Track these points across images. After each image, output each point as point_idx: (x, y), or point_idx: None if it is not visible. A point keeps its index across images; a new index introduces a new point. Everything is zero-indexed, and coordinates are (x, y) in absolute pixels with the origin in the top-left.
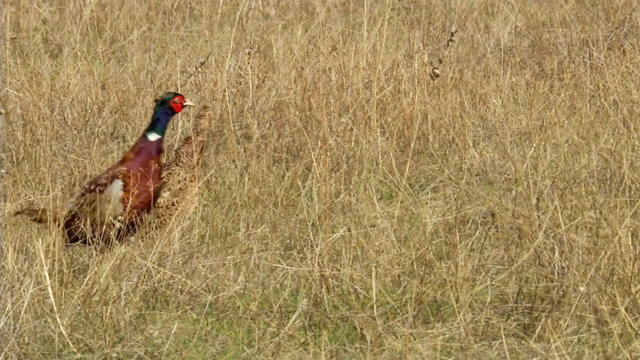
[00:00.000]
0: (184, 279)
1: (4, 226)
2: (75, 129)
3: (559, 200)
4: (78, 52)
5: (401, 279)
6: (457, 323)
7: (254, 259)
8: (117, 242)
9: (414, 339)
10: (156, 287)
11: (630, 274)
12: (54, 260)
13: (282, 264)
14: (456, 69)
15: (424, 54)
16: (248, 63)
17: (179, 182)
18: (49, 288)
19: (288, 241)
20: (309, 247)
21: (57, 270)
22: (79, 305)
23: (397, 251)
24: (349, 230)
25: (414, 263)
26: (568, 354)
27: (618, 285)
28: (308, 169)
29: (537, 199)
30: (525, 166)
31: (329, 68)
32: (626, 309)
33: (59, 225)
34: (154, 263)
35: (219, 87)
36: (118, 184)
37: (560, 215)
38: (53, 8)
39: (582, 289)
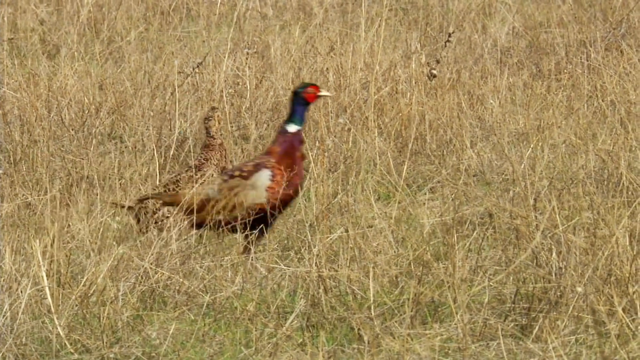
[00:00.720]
0: (181, 280)
1: (2, 227)
2: (72, 130)
3: (556, 200)
4: (75, 53)
5: (399, 280)
6: (455, 324)
7: (252, 259)
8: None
9: (412, 340)
10: (154, 287)
11: (627, 275)
12: (51, 261)
13: (280, 265)
14: (454, 70)
15: (422, 54)
16: (245, 63)
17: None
18: (47, 289)
19: (285, 242)
20: (307, 248)
21: (54, 271)
22: (76, 306)
23: (394, 252)
24: (347, 230)
25: (412, 264)
26: (565, 355)
27: (615, 286)
28: (306, 169)
29: (535, 199)
30: (522, 167)
31: (327, 68)
32: (624, 310)
33: (190, 210)
34: (151, 264)
35: (216, 88)
36: (266, 172)
37: (557, 215)
38: (50, 9)
39: (579, 289)
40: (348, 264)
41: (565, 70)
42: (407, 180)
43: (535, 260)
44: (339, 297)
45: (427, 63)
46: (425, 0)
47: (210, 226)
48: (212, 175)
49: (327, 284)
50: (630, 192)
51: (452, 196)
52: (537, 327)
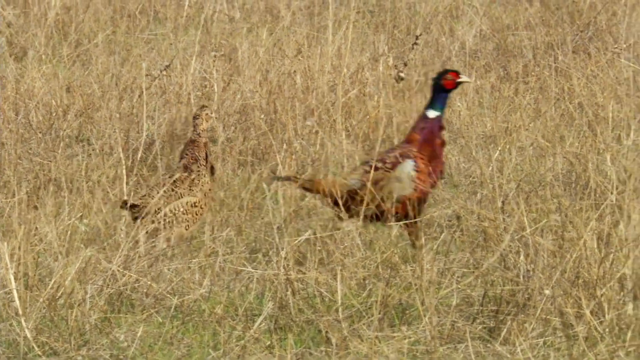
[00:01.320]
0: (149, 283)
1: None
2: (40, 132)
3: (524, 203)
4: (43, 56)
5: (367, 282)
6: (423, 326)
7: (220, 262)
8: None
9: (380, 342)
10: (121, 290)
11: (595, 277)
12: (19, 264)
13: (248, 267)
14: (421, 72)
15: (389, 57)
16: (213, 66)
17: (205, 183)
18: (14, 291)
19: (253, 244)
20: (275, 251)
21: (22, 274)
22: (44, 308)
23: (362, 254)
24: (315, 233)
25: (380, 266)
26: (534, 357)
27: (583, 288)
28: (273, 172)
29: (503, 202)
30: (490, 169)
31: (294, 71)
32: (591, 312)
33: (334, 200)
34: (119, 266)
35: (184, 90)
36: (410, 163)
37: (525, 218)
38: (17, 11)
39: (547, 292)
40: (316, 267)
41: (532, 73)
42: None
43: (503, 263)
44: (306, 300)
45: (395, 65)
46: (393, 2)
47: (355, 216)
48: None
49: (295, 287)
50: (597, 195)
51: None
52: (505, 330)
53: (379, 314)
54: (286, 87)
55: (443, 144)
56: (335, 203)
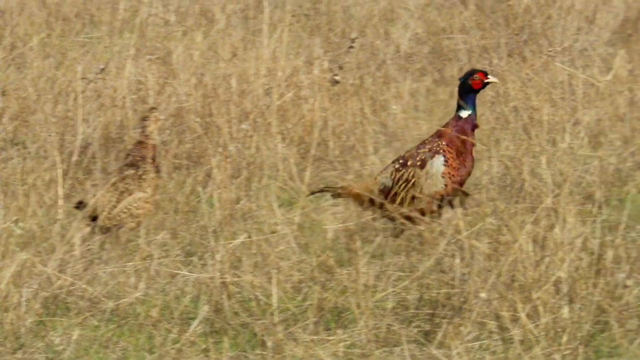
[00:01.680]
0: (84, 286)
1: None
2: None
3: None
4: None
5: (302, 286)
6: (359, 329)
7: (155, 265)
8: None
9: (315, 346)
10: (57, 293)
11: (531, 280)
12: None
13: (183, 271)
14: (356, 76)
15: (324, 60)
16: (148, 69)
17: (152, 179)
18: None
19: (189, 248)
20: (210, 254)
21: None
22: None
23: (297, 258)
24: (250, 236)
25: (315, 269)
26: None
27: (519, 292)
28: (208, 175)
29: (439, 205)
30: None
31: (229, 74)
32: (527, 315)
33: (370, 201)
34: (54, 269)
35: (119, 94)
36: (440, 159)
37: (461, 221)
38: None
39: (483, 295)
40: (251, 270)
41: None
42: (310, 186)
43: (439, 266)
44: (242, 303)
45: (330, 69)
46: (328, 6)
47: (388, 215)
48: None
49: (230, 290)
50: (533, 198)
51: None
52: (440, 333)
53: (315, 317)
54: (221, 90)
55: (473, 143)
56: (372, 203)
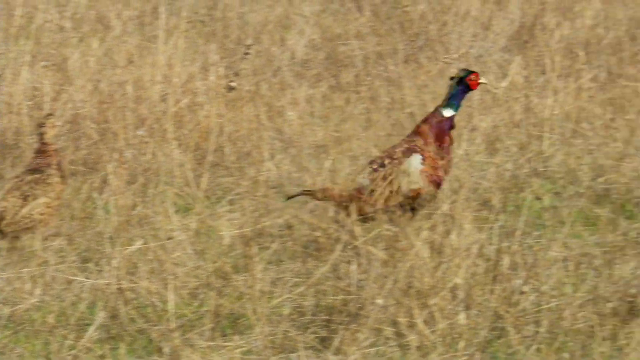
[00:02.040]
0: None
1: None
2: None
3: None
4: None
5: (198, 292)
6: (255, 336)
7: (51, 271)
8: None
9: (212, 352)
10: None
11: (427, 287)
12: None
13: (79, 277)
14: (252, 82)
15: (220, 67)
16: (44, 76)
17: (56, 184)
18: None
19: (85, 254)
20: (106, 260)
21: None
22: None
23: (194, 264)
24: (146, 242)
25: (211, 275)
26: None
27: (415, 298)
28: (104, 181)
29: (335, 211)
30: (322, 178)
31: (125, 81)
32: (424, 321)
33: (344, 203)
34: None
35: (14, 100)
36: (417, 157)
37: (357, 227)
38: None
39: (379, 301)
40: (148, 276)
41: (363, 83)
42: (206, 192)
43: (335, 273)
44: (138, 309)
45: (226, 75)
46: (223, 12)
47: (368, 215)
48: None
49: (126, 296)
50: (431, 204)
51: (252, 208)
52: (337, 339)
53: (211, 323)
54: (117, 96)
55: (452, 141)
56: (349, 205)
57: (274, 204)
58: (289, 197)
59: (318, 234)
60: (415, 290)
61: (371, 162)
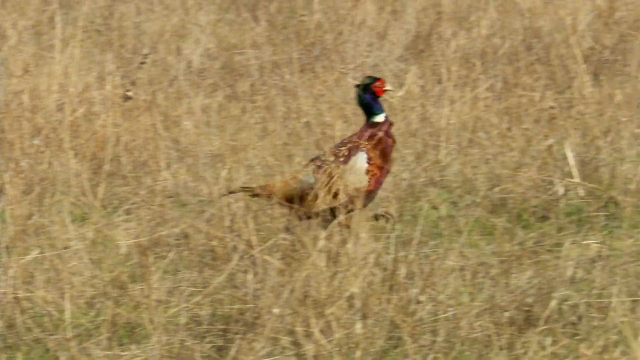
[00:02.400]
0: None
1: None
2: None
3: (252, 221)
4: None
5: (95, 301)
6: (152, 345)
7: None
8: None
9: None
10: None
11: (324, 296)
12: None
13: None
14: (149, 91)
15: (117, 76)
16: None
17: None
18: None
19: None
20: (2, 270)
21: None
22: None
23: (90, 273)
24: (42, 252)
25: (108, 285)
26: None
27: (312, 307)
28: (0, 190)
29: (231, 220)
30: (218, 187)
31: (21, 90)
32: (320, 331)
33: (289, 200)
34: None
35: None
36: (362, 155)
37: (254, 236)
38: None
39: (276, 310)
40: (44, 286)
41: (259, 92)
42: (102, 202)
43: (231, 282)
44: (35, 319)
45: (122, 85)
46: (119, 21)
47: (309, 214)
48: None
49: (23, 306)
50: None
51: (148, 217)
52: (234, 349)
53: (108, 332)
54: (13, 106)
55: (394, 140)
56: (290, 203)
57: (171, 213)
58: (226, 194)
59: (214, 243)
60: (311, 299)
61: (314, 160)
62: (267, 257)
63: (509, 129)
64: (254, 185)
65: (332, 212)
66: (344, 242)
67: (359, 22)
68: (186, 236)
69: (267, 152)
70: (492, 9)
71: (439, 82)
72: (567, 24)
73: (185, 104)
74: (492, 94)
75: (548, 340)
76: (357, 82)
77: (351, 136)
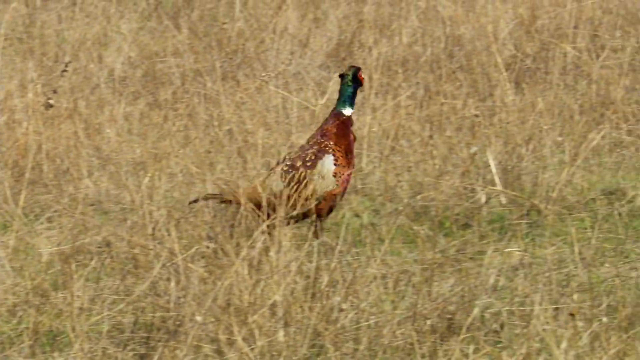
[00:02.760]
0: None
1: None
2: None
3: (175, 229)
4: None
5: (17, 309)
6: (74, 353)
7: None
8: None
9: None
10: None
11: (247, 304)
12: None
13: None
14: (70, 99)
15: (38, 84)
16: None
17: None
18: None
19: None
20: None
21: None
22: None
23: (12, 281)
24: None
25: (30, 293)
26: None
27: (235, 315)
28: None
29: (153, 228)
30: (140, 195)
31: None
32: (243, 339)
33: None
34: None
35: None
36: (330, 158)
37: (176, 244)
38: None
39: (198, 318)
40: None
41: (182, 100)
42: (24, 210)
43: (154, 290)
44: None
45: (44, 92)
46: (41, 29)
47: (280, 219)
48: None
49: None
50: (249, 221)
51: (70, 225)
52: (156, 356)
53: (30, 340)
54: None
55: (355, 138)
56: (259, 208)
57: (93, 221)
58: (195, 201)
59: (137, 251)
60: (234, 307)
61: (280, 163)
62: (189, 265)
63: (431, 137)
64: (221, 191)
65: (304, 216)
66: (266, 250)
67: (281, 30)
68: (108, 244)
69: (189, 160)
70: (414, 16)
71: (361, 90)
72: (489, 32)
73: (107, 112)
74: (414, 101)
75: (470, 348)
76: (342, 72)
77: (315, 137)
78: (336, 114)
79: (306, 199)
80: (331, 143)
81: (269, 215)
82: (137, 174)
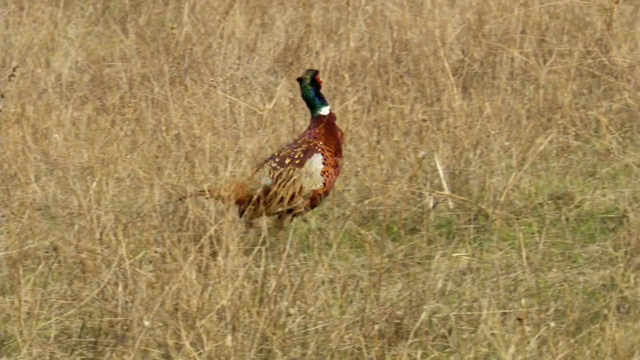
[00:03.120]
0: None
1: None
2: None
3: (122, 234)
4: None
5: None
6: (22, 357)
7: None
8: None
9: None
10: None
11: (195, 309)
12: None
13: None
14: (18, 104)
15: None
16: None
17: None
18: None
19: None
20: None
21: None
22: None
23: None
24: None
25: None
26: None
27: (183, 320)
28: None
29: (101, 233)
30: (88, 200)
31: None
32: (191, 344)
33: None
34: None
35: None
36: (318, 157)
37: (124, 249)
38: None
39: (147, 323)
40: None
41: (129, 105)
42: None
43: (102, 295)
44: None
45: None
46: None
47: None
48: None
49: None
50: (197, 226)
51: (17, 230)
52: None
53: None
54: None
55: (342, 134)
56: (244, 203)
57: (40, 225)
58: (182, 198)
59: (84, 255)
60: (182, 312)
61: (268, 161)
62: (137, 270)
63: (378, 142)
64: (208, 187)
65: (290, 213)
66: (214, 254)
67: (228, 35)
68: (56, 249)
69: (137, 165)
70: (361, 21)
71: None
72: (436, 37)
73: (54, 117)
74: (361, 106)
75: (418, 353)
76: (300, 76)
77: (302, 135)
78: (316, 118)
79: (293, 196)
80: (320, 143)
81: (255, 211)
82: (85, 179)
